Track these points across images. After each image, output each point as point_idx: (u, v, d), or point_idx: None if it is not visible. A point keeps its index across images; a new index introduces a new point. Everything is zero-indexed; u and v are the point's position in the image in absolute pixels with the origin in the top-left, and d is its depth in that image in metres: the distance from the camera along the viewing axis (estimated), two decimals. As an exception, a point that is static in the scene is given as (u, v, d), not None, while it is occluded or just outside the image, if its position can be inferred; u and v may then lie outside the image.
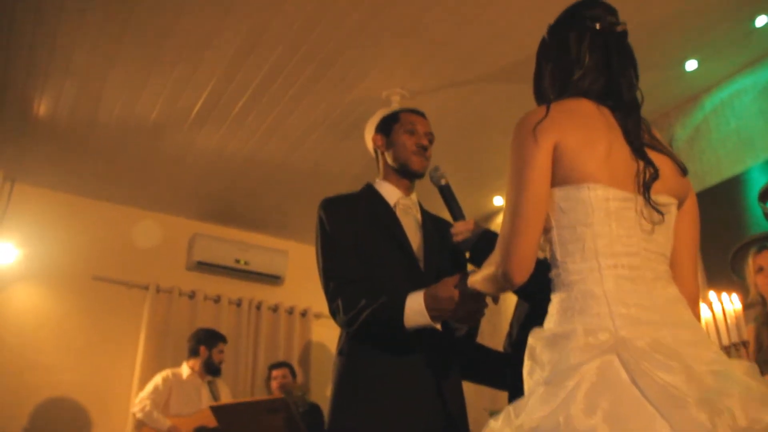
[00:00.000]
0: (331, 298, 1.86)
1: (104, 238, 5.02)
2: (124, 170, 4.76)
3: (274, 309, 5.65)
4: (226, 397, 4.57)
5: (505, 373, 2.03)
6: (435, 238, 2.04)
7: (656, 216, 1.29)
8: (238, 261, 5.48)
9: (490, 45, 3.56)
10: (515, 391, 1.98)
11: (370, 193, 2.11)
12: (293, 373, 4.99)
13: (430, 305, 1.68)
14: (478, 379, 2.18)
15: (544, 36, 1.50)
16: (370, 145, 2.23)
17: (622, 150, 1.31)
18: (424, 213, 2.13)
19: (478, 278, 1.47)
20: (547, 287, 1.36)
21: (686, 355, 1.13)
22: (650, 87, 1.42)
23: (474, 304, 1.66)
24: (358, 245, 1.92)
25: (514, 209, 1.26)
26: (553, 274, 1.30)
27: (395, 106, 3.52)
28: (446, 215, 2.03)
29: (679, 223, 1.38)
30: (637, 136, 1.33)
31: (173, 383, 4.39)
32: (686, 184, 1.41)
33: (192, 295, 5.32)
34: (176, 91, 3.88)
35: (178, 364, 4.57)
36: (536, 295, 1.68)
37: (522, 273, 1.26)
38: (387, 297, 1.76)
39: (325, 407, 2.03)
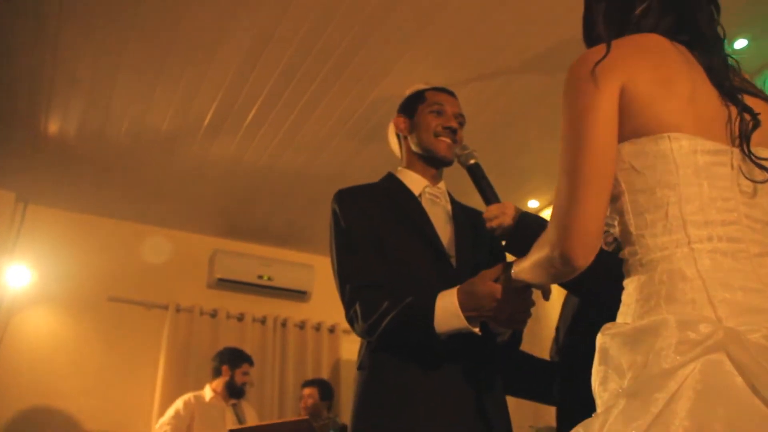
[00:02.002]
0: (347, 303, 1.59)
1: (121, 258, 4.84)
2: (139, 186, 4.58)
3: (301, 326, 5.40)
4: (252, 420, 4.31)
5: (551, 385, 1.75)
6: (469, 231, 1.76)
7: (759, 173, 1.00)
8: (261, 277, 5.26)
9: (521, 31, 3.26)
10: (566, 406, 1.69)
11: (391, 182, 1.85)
12: (326, 391, 4.68)
13: (466, 304, 1.39)
14: (522, 392, 1.90)
15: None
16: (391, 132, 1.98)
17: (707, 93, 1.03)
18: (455, 203, 1.86)
19: (526, 266, 1.19)
20: (605, 277, 1.09)
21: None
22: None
23: (520, 301, 1.37)
24: (378, 241, 1.65)
25: (573, 171, 0.98)
26: (626, 252, 1.01)
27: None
28: (482, 205, 1.74)
29: None
30: (726, 76, 1.05)
31: (195, 407, 4.15)
32: None
33: (214, 314, 5.10)
34: (186, 100, 3.68)
35: (201, 387, 4.34)
36: (591, 288, 1.40)
37: (586, 252, 0.97)
38: (413, 298, 1.48)
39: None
